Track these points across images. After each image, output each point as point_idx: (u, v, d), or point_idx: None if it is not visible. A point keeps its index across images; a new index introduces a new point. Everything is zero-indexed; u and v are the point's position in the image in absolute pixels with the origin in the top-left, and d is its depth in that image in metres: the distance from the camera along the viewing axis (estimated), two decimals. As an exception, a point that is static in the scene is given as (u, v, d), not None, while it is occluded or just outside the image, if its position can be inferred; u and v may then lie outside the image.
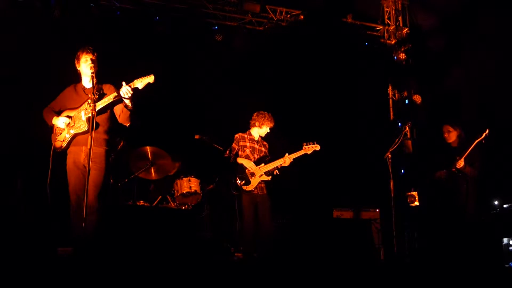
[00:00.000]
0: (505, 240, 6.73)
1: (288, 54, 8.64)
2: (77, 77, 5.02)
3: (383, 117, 9.47)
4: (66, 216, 4.81)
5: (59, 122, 4.87)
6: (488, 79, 8.20)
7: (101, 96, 4.84)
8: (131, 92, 4.63)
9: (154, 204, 6.81)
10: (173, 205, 6.82)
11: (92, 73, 4.76)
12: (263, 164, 6.19)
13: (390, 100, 9.65)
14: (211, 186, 7.01)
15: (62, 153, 4.94)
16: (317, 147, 6.22)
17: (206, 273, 4.40)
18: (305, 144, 6.23)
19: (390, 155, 7.00)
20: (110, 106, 4.84)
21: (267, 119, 6.28)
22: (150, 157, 6.81)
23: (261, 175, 6.14)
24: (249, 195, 6.08)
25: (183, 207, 6.75)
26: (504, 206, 6.98)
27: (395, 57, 9.39)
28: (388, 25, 9.56)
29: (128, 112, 4.78)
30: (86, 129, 4.74)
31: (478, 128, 6.33)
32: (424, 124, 8.97)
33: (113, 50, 6.57)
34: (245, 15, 8.64)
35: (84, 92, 4.93)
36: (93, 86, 4.68)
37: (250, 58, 8.46)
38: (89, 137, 4.49)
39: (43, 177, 4.76)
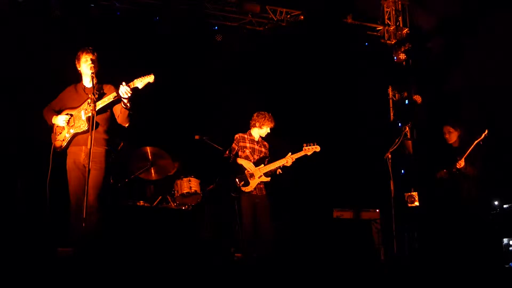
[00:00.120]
0: (505, 240, 6.74)
1: (288, 55, 8.63)
2: (78, 77, 5.03)
3: (383, 117, 9.47)
4: (66, 216, 4.81)
5: (59, 120, 4.88)
6: (488, 79, 8.20)
7: (101, 96, 4.85)
8: (130, 92, 4.64)
9: (154, 204, 6.80)
10: (173, 205, 6.82)
11: (92, 73, 4.77)
12: (262, 165, 6.18)
13: (390, 100, 9.65)
14: (211, 186, 7.01)
15: (62, 153, 4.94)
16: (317, 148, 6.19)
17: (206, 273, 4.40)
18: (305, 145, 6.21)
19: (390, 155, 7.00)
20: (110, 106, 4.85)
21: (267, 119, 6.27)
22: (150, 157, 6.81)
23: (260, 176, 6.13)
24: (248, 195, 6.07)
25: (183, 208, 6.75)
26: (504, 206, 6.98)
27: (395, 57, 9.39)
28: (388, 25, 9.56)
29: (127, 112, 4.79)
30: (86, 128, 4.75)
31: (478, 128, 6.34)
32: (424, 124, 8.96)
33: (113, 50, 6.56)
34: (245, 15, 8.64)
35: (85, 91, 4.94)
36: (93, 86, 4.69)
37: (250, 59, 8.46)
38: (89, 137, 4.50)
39: (43, 177, 4.76)
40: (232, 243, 6.45)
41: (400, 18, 9.55)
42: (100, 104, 4.73)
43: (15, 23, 7.06)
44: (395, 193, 7.03)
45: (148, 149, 6.82)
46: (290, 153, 6.15)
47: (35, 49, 6.87)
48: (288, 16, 8.81)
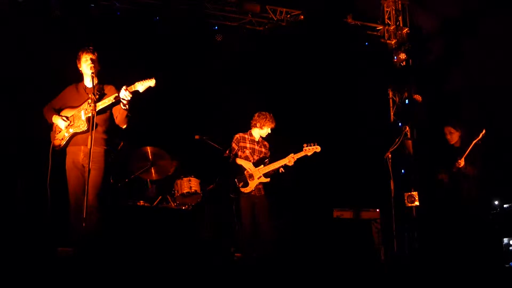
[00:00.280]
0: (505, 240, 6.74)
1: (288, 54, 8.63)
2: (79, 77, 5.04)
3: (383, 117, 9.46)
4: (66, 216, 4.81)
5: (59, 122, 4.89)
6: (488, 79, 8.20)
7: (102, 96, 4.86)
8: (130, 96, 4.66)
9: (154, 204, 6.80)
10: (173, 205, 6.82)
11: (92, 72, 4.78)
12: (262, 166, 6.17)
13: (390, 100, 9.64)
14: (211, 186, 7.01)
15: (62, 154, 4.94)
16: (317, 149, 6.18)
17: (205, 273, 4.40)
18: (305, 145, 6.20)
19: (390, 155, 7.01)
20: (109, 107, 4.86)
21: (268, 120, 6.26)
22: (150, 157, 6.81)
23: (260, 177, 6.12)
24: (247, 196, 6.07)
25: (183, 207, 6.75)
26: (504, 206, 6.98)
27: (395, 57, 9.39)
28: (388, 25, 9.56)
29: (125, 114, 4.80)
30: (85, 128, 4.76)
31: (478, 128, 6.34)
32: (424, 124, 8.96)
33: (113, 50, 6.56)
34: (245, 15, 8.64)
35: (85, 91, 4.95)
36: (93, 86, 4.70)
37: (250, 58, 8.46)
38: (88, 136, 4.51)
39: (43, 177, 4.77)
40: (232, 243, 6.45)
41: (400, 18, 9.55)
42: (100, 105, 4.75)
43: (15, 23, 7.06)
44: (395, 193, 7.03)
45: (149, 149, 6.82)
46: (292, 154, 6.14)
47: (35, 49, 6.87)
48: (288, 16, 8.81)
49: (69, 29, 7.26)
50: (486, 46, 8.35)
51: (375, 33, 9.54)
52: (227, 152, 6.30)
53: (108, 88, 4.96)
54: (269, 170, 6.14)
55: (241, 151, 6.26)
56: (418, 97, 8.90)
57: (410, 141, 8.99)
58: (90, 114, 4.66)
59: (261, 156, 6.32)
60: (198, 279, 4.12)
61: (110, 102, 4.77)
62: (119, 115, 4.86)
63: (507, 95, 7.81)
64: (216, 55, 8.28)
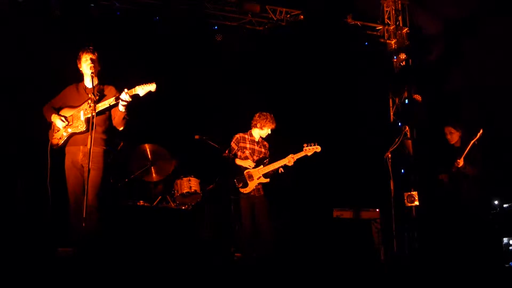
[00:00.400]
0: (505, 240, 6.74)
1: (288, 54, 8.63)
2: (79, 76, 5.04)
3: (383, 117, 9.46)
4: (66, 216, 4.82)
5: (57, 122, 4.89)
6: (488, 79, 8.20)
7: (102, 97, 4.86)
8: (130, 100, 4.66)
9: (154, 204, 6.80)
10: (173, 205, 6.82)
11: (92, 72, 4.78)
12: (261, 166, 6.17)
13: (390, 100, 9.64)
14: (211, 186, 7.01)
15: (61, 154, 4.95)
16: (317, 149, 6.17)
17: (205, 273, 4.40)
18: (305, 145, 6.20)
19: (390, 155, 7.01)
20: (109, 109, 4.87)
21: (268, 120, 6.26)
22: (150, 156, 6.81)
23: (259, 177, 6.12)
24: (246, 197, 6.07)
25: (183, 207, 6.75)
26: (504, 206, 6.98)
27: (394, 57, 9.38)
28: (388, 24, 9.55)
29: (123, 116, 4.81)
30: (84, 129, 4.77)
31: (478, 128, 6.35)
32: (424, 124, 8.96)
33: (113, 50, 6.56)
34: (245, 15, 8.64)
35: (85, 91, 4.95)
36: (93, 87, 4.70)
37: (250, 58, 8.45)
38: (87, 136, 4.53)
39: (43, 177, 4.77)
40: (232, 243, 6.45)
41: (400, 18, 9.55)
42: (100, 107, 4.75)
43: (15, 23, 7.06)
44: (395, 192, 7.03)
45: (147, 146, 6.82)
46: (291, 154, 6.13)
47: (35, 49, 6.87)
48: (288, 15, 8.81)
49: (69, 29, 7.26)
50: (486, 46, 8.35)
51: (375, 33, 9.54)
52: (226, 152, 6.30)
53: (108, 89, 4.97)
54: (269, 170, 6.14)
55: (241, 151, 6.26)
56: (418, 97, 8.90)
57: (410, 141, 8.99)
58: (89, 115, 4.67)
59: (260, 156, 6.32)
60: (198, 279, 4.12)
61: (110, 104, 4.78)
62: (117, 117, 4.87)
63: (507, 95, 7.81)
64: (216, 55, 8.28)
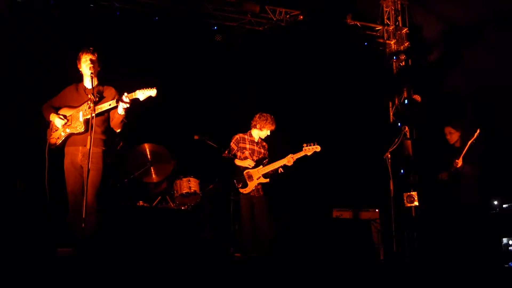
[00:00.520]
0: (504, 240, 6.74)
1: (287, 54, 8.63)
2: (79, 77, 5.04)
3: (382, 117, 9.46)
4: (65, 216, 4.82)
5: (56, 120, 4.89)
6: (488, 79, 8.20)
7: (101, 98, 4.86)
8: (129, 103, 4.67)
9: (154, 204, 6.80)
10: (172, 205, 6.82)
11: (91, 73, 4.78)
12: (261, 166, 6.18)
13: (390, 100, 9.64)
14: (211, 186, 7.01)
15: (60, 154, 4.95)
16: (317, 148, 6.18)
17: (205, 273, 4.40)
18: (305, 145, 6.20)
19: (389, 155, 7.02)
20: (108, 111, 4.88)
21: (268, 122, 6.26)
22: (149, 156, 6.81)
23: (259, 177, 6.13)
24: (246, 196, 6.08)
25: (182, 208, 6.75)
26: (504, 206, 6.98)
27: (394, 57, 9.39)
28: (388, 25, 9.55)
29: (121, 119, 4.82)
30: (82, 130, 4.78)
31: (478, 128, 6.35)
32: (424, 124, 8.96)
33: (113, 50, 6.57)
34: (245, 15, 8.63)
35: (85, 92, 4.96)
36: (93, 87, 4.71)
37: (249, 58, 8.45)
38: (86, 137, 4.55)
39: (42, 176, 4.77)
40: (231, 243, 6.45)
41: (399, 18, 9.55)
42: (100, 109, 4.76)
43: (15, 23, 7.06)
44: (394, 193, 7.04)
45: (147, 146, 6.82)
46: (291, 154, 6.14)
47: (35, 49, 6.87)
48: (288, 16, 8.80)
49: (69, 29, 7.26)
50: (486, 46, 8.35)
51: (374, 33, 9.54)
52: (226, 152, 6.30)
53: (107, 90, 4.97)
54: (268, 170, 6.14)
55: (240, 152, 6.26)
56: (417, 97, 8.91)
57: (409, 141, 8.99)
58: (88, 116, 4.68)
59: (260, 156, 6.32)
60: (198, 279, 4.12)
61: (109, 107, 4.78)
62: (115, 119, 4.87)
63: (507, 95, 7.81)
64: (215, 55, 8.28)
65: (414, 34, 9.42)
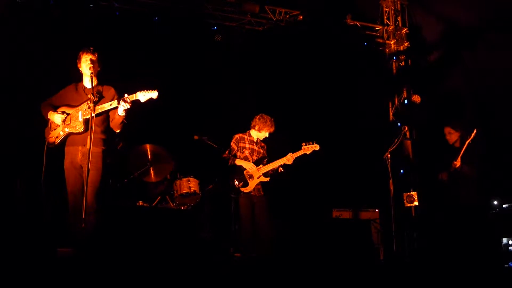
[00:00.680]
0: (504, 240, 6.74)
1: (287, 55, 8.63)
2: (79, 76, 5.04)
3: (382, 117, 9.47)
4: (65, 216, 4.82)
5: (56, 118, 4.89)
6: (488, 79, 8.20)
7: (101, 98, 4.86)
8: (130, 105, 4.67)
9: (154, 204, 6.80)
10: (172, 205, 6.82)
11: (91, 73, 4.79)
12: (261, 166, 6.19)
13: (389, 100, 9.64)
14: (211, 186, 7.01)
15: (60, 154, 4.95)
16: (316, 147, 6.20)
17: (205, 273, 4.40)
18: (304, 144, 6.21)
19: (389, 155, 7.02)
20: (108, 111, 4.87)
21: (267, 124, 6.27)
22: (149, 156, 6.81)
23: (260, 176, 6.14)
24: (247, 196, 6.08)
25: (182, 208, 6.75)
26: (504, 206, 6.99)
27: (394, 57, 9.39)
28: (387, 25, 9.56)
29: (121, 120, 4.81)
30: (82, 130, 4.78)
31: (478, 128, 6.35)
32: (424, 124, 8.97)
33: (113, 51, 6.56)
34: (245, 15, 8.63)
35: (84, 92, 4.95)
36: (93, 87, 4.71)
37: (249, 58, 8.46)
38: (86, 137, 4.55)
39: (42, 176, 4.77)
40: (231, 243, 6.45)
41: (399, 18, 9.55)
42: (99, 109, 4.75)
43: (15, 23, 7.06)
44: (394, 193, 7.04)
45: (147, 146, 6.82)
46: (290, 153, 6.15)
47: (35, 49, 6.87)
48: (287, 16, 8.80)
49: (69, 29, 7.26)
50: (486, 46, 8.36)
51: (374, 33, 9.55)
52: (226, 152, 6.31)
53: (107, 89, 4.97)
54: (269, 169, 6.16)
55: (240, 152, 6.27)
56: (417, 98, 8.91)
57: (409, 141, 9.00)
58: (88, 116, 4.67)
59: (259, 156, 6.33)
60: (198, 279, 4.12)
61: (110, 107, 4.78)
62: (115, 120, 4.87)
63: (507, 95, 7.81)
64: (215, 55, 8.28)
65: (414, 34, 9.42)
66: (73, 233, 4.60)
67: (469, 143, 6.28)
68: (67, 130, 4.87)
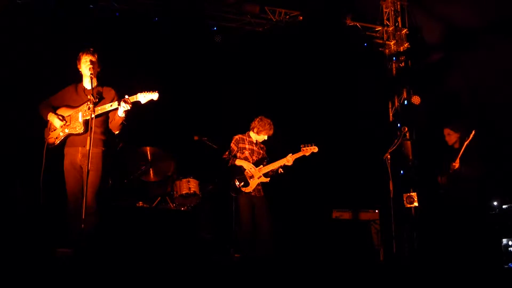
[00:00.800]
0: (504, 240, 6.74)
1: (287, 55, 8.63)
2: (79, 77, 5.04)
3: (382, 118, 9.46)
4: (65, 217, 4.81)
5: (55, 121, 4.89)
6: (488, 79, 8.20)
7: (101, 99, 4.86)
8: (130, 106, 4.67)
9: (153, 205, 6.80)
10: (172, 206, 6.81)
11: (91, 74, 4.78)
12: (261, 166, 6.20)
13: (389, 101, 9.64)
14: (211, 187, 7.01)
15: (60, 155, 4.94)
16: (314, 149, 6.21)
17: (205, 273, 4.40)
18: (303, 146, 6.22)
19: (389, 156, 7.01)
20: (107, 113, 4.87)
21: (266, 128, 6.27)
22: (149, 157, 6.81)
23: (260, 177, 6.14)
24: (247, 196, 6.08)
25: (182, 208, 6.75)
26: (504, 206, 6.98)
27: (394, 58, 9.39)
28: (387, 26, 9.55)
29: (120, 121, 4.81)
30: (82, 131, 4.78)
31: (478, 128, 6.35)
32: (423, 124, 8.96)
33: (113, 51, 6.56)
34: (244, 16, 8.63)
35: (84, 93, 4.95)
36: (92, 88, 4.70)
37: (249, 59, 8.45)
38: (86, 138, 4.55)
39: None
40: (231, 243, 6.45)
41: (399, 19, 9.54)
42: (99, 110, 4.75)
43: (15, 23, 7.06)
44: (394, 193, 7.03)
45: (148, 149, 6.82)
46: (290, 154, 6.16)
47: (35, 49, 6.87)
48: (287, 16, 8.80)
49: (69, 29, 7.26)
50: (486, 47, 8.36)
51: (374, 34, 9.54)
52: (226, 153, 6.31)
53: (106, 90, 4.97)
54: (269, 170, 6.17)
55: (240, 152, 6.27)
56: (416, 99, 8.91)
57: (409, 142, 8.98)
58: (88, 117, 4.67)
59: (259, 157, 6.34)
60: (198, 279, 4.12)
61: (110, 108, 4.78)
62: (114, 121, 4.87)
63: (507, 95, 7.81)
64: (215, 56, 8.28)
65: (414, 35, 9.41)
66: (72, 233, 4.60)
67: (467, 144, 6.27)
68: (67, 131, 4.87)
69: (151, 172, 6.87)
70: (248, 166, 6.15)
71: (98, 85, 4.89)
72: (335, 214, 7.86)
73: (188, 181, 6.77)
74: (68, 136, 4.89)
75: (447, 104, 8.71)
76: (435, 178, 6.74)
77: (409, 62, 9.37)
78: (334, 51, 8.89)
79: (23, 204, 6.27)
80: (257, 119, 6.34)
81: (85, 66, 4.87)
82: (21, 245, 5.05)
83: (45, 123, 5.05)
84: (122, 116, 4.76)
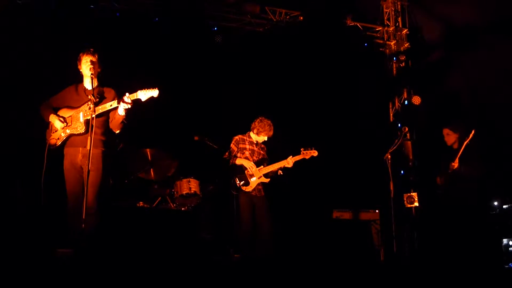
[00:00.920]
0: (504, 240, 6.74)
1: (287, 55, 8.63)
2: (80, 77, 5.04)
3: (382, 118, 9.46)
4: (65, 217, 4.81)
5: (56, 122, 4.89)
6: (488, 79, 8.20)
7: (101, 99, 4.86)
8: (131, 105, 4.66)
9: (154, 205, 6.80)
10: (172, 206, 6.81)
11: (91, 74, 4.78)
12: (262, 166, 6.21)
13: (390, 101, 9.64)
14: (211, 187, 7.01)
15: (60, 155, 4.95)
16: (314, 153, 6.23)
17: (205, 273, 4.40)
18: (303, 149, 6.24)
19: (389, 156, 7.01)
20: (109, 111, 4.87)
21: (266, 129, 6.27)
22: (149, 157, 6.81)
23: (260, 177, 6.15)
24: (247, 196, 6.09)
25: (182, 208, 6.74)
26: (504, 206, 6.98)
27: (394, 58, 9.39)
28: (388, 26, 9.55)
29: (120, 120, 4.81)
30: (83, 131, 4.78)
31: (478, 128, 6.34)
32: (424, 124, 8.96)
33: (113, 51, 6.56)
34: (245, 16, 8.63)
35: (85, 93, 4.95)
36: (93, 89, 4.70)
37: (249, 59, 8.45)
38: (86, 138, 4.54)
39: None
40: (231, 243, 6.45)
41: (399, 19, 9.54)
42: (100, 109, 4.75)
43: (15, 23, 7.06)
44: (394, 193, 7.03)
45: (148, 150, 6.82)
46: (291, 156, 6.18)
47: (35, 49, 6.87)
48: (288, 17, 8.80)
49: (69, 29, 7.26)
50: (486, 47, 8.36)
51: (375, 34, 9.54)
52: (226, 154, 6.31)
53: (107, 91, 4.97)
54: (269, 170, 6.18)
55: (241, 153, 6.27)
56: (416, 99, 8.91)
57: (409, 142, 8.99)
58: (89, 117, 4.67)
59: (260, 157, 6.35)
60: (198, 279, 4.12)
61: (111, 107, 4.78)
62: (115, 120, 4.86)
63: (507, 95, 7.81)
64: (215, 56, 8.28)
65: (414, 35, 9.41)
66: (73, 233, 4.60)
67: (467, 144, 6.27)
68: (68, 131, 4.87)
69: (151, 172, 6.87)
70: (249, 165, 6.16)
71: (98, 85, 4.89)
72: (335, 214, 7.85)
73: (189, 181, 6.76)
74: (69, 136, 4.89)
75: (447, 104, 8.71)
76: (435, 178, 6.74)
77: (410, 62, 9.37)
78: (334, 51, 8.89)
79: (23, 204, 6.27)
80: (257, 120, 6.34)
81: (86, 66, 4.87)
82: (22, 245, 5.05)
83: (46, 124, 5.05)
84: (122, 114, 4.76)
